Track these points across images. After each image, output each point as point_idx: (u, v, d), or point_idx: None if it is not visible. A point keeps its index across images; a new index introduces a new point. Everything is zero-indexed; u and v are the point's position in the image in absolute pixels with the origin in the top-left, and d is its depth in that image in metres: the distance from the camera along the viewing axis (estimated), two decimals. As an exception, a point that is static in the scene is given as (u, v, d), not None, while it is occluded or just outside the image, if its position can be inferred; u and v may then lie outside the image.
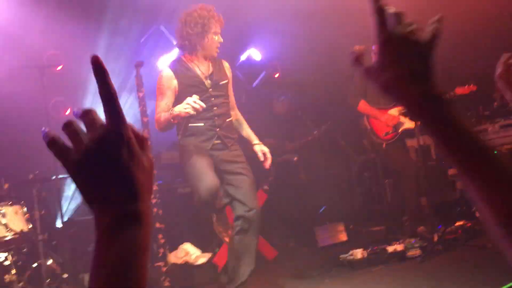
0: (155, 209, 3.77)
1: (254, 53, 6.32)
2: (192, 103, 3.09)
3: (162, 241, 3.77)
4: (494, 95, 7.06)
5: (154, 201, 3.76)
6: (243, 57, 6.31)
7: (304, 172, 6.11)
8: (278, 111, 6.23)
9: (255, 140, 3.64)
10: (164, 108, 3.34)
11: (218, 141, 3.46)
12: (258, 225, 3.42)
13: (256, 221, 3.39)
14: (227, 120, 3.55)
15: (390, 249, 4.02)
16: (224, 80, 3.55)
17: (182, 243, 4.21)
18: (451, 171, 6.92)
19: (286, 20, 5.77)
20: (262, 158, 3.55)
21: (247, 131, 3.69)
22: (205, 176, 3.27)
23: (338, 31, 5.87)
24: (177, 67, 3.47)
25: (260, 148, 3.58)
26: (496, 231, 0.70)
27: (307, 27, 5.99)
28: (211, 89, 3.46)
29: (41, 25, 5.13)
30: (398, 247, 4.02)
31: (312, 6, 5.58)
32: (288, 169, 5.93)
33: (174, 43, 6.49)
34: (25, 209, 3.95)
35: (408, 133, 4.81)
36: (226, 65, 3.65)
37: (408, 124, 4.71)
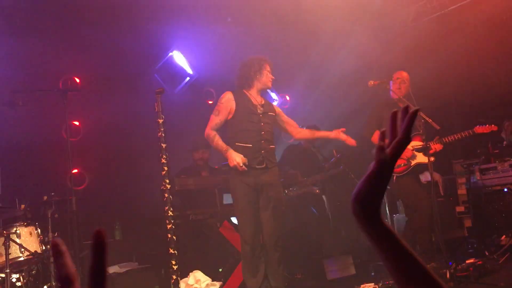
0: (169, 235, 3.78)
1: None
2: (242, 165, 3.88)
3: (175, 267, 3.75)
4: (502, 134, 7.14)
5: (169, 227, 3.77)
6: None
7: (313, 203, 6.12)
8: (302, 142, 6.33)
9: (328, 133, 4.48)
10: (217, 123, 4.07)
11: (262, 164, 4.02)
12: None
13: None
14: (271, 146, 4.14)
15: (402, 284, 4.00)
16: (272, 112, 4.23)
17: (193, 270, 4.18)
18: (459, 209, 6.94)
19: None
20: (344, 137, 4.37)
21: (318, 133, 4.60)
22: (247, 221, 3.97)
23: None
24: (237, 93, 4.18)
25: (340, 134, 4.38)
26: None
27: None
28: (261, 115, 4.12)
29: (57, 49, 5.24)
30: (410, 282, 3.99)
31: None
32: (298, 201, 5.94)
33: (190, 71, 6.67)
34: (39, 230, 3.96)
35: (420, 168, 4.84)
36: (274, 104, 4.47)
37: (421, 158, 4.73)
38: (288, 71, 4.31)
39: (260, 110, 4.13)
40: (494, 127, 4.79)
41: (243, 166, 3.91)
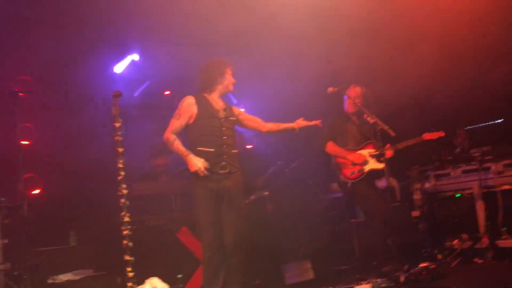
0: (125, 241, 3.70)
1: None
2: (203, 170, 3.86)
3: (131, 274, 3.68)
4: (455, 141, 7.39)
5: (125, 233, 3.69)
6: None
7: (272, 208, 6.14)
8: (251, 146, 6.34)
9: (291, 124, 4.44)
10: (177, 127, 4.03)
11: (225, 168, 4.00)
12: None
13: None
14: (233, 151, 4.11)
15: (358, 288, 4.07)
16: (232, 117, 4.22)
17: (150, 277, 4.11)
18: (414, 214, 7.12)
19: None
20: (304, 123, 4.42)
21: (283, 125, 4.47)
22: (209, 227, 3.94)
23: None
24: (199, 97, 4.14)
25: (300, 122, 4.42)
26: None
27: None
28: (223, 120, 4.10)
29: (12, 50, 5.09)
30: (366, 286, 4.08)
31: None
32: (255, 205, 5.95)
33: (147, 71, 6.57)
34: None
35: (376, 174, 4.94)
36: (234, 108, 4.37)
37: (374, 164, 4.85)
38: (247, 76, 4.34)
39: (222, 114, 4.12)
40: (441, 133, 4.99)
41: (205, 171, 3.88)
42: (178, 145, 3.98)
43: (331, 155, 5.03)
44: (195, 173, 3.93)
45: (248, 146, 6.87)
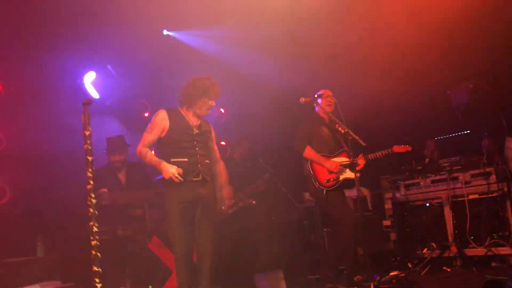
0: (93, 252, 3.62)
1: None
2: (177, 176, 3.84)
3: (99, 286, 3.60)
4: (425, 152, 7.55)
5: (93, 243, 3.62)
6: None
7: (246, 218, 6.14)
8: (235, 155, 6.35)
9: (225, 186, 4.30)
10: (150, 141, 4.03)
11: (198, 176, 4.00)
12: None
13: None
14: (206, 161, 4.13)
15: (329, 297, 4.08)
16: (208, 133, 4.23)
17: (120, 287, 4.05)
18: (385, 223, 7.22)
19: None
20: (226, 200, 4.37)
21: (222, 182, 4.30)
22: (182, 236, 3.90)
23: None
24: (172, 112, 4.11)
25: (227, 192, 4.28)
26: None
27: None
28: (195, 135, 4.11)
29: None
30: (337, 295, 4.09)
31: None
32: (234, 215, 5.93)
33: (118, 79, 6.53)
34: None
35: (347, 183, 4.99)
36: (208, 123, 4.32)
37: (349, 173, 4.90)
38: (222, 84, 4.36)
39: (195, 131, 4.12)
40: (408, 148, 5.11)
41: (179, 177, 3.87)
42: (151, 156, 3.99)
43: (306, 161, 5.03)
44: (170, 180, 3.91)
45: (222, 143, 6.88)
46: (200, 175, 4.02)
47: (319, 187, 4.89)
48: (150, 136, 4.04)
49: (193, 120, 4.15)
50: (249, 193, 6.06)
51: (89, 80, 6.16)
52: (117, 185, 5.11)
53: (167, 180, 3.95)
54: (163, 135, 4.05)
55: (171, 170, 3.86)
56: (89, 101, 3.79)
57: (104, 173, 5.08)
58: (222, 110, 7.61)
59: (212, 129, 4.36)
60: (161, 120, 4.05)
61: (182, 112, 4.14)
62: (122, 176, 5.21)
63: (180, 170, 3.90)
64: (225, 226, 5.67)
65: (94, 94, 6.22)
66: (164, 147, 4.08)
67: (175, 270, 4.47)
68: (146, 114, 6.75)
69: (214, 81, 4.14)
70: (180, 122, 4.09)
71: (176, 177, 3.86)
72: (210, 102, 4.13)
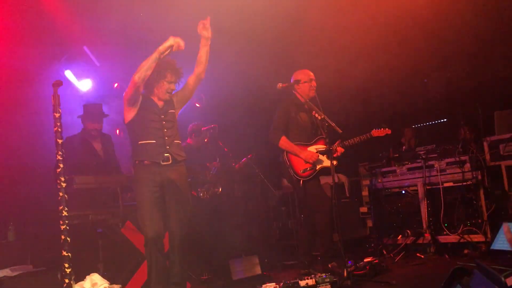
0: (62, 236, 3.56)
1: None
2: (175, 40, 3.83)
3: (68, 270, 3.55)
4: (402, 140, 7.60)
5: (63, 227, 3.55)
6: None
7: (223, 203, 6.11)
8: (199, 141, 6.22)
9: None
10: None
11: (168, 156, 3.94)
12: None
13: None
14: (175, 141, 4.04)
15: (302, 283, 4.08)
16: (172, 109, 4.10)
17: (90, 273, 3.99)
18: (362, 210, 7.27)
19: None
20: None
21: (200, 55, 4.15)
22: (152, 220, 3.84)
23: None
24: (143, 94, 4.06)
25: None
26: None
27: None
28: (162, 116, 4.02)
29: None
30: (310, 281, 4.09)
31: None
32: (205, 200, 5.90)
33: (98, 64, 6.41)
34: None
35: (324, 170, 4.98)
36: (174, 98, 4.17)
37: (326, 162, 4.88)
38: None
39: (161, 110, 4.05)
40: (388, 131, 5.09)
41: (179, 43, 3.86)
42: (143, 64, 3.85)
43: (282, 151, 4.97)
44: (138, 167, 3.90)
45: (197, 104, 6.76)
46: (170, 159, 3.96)
47: (295, 176, 4.87)
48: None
49: (159, 102, 4.08)
50: (224, 176, 6.03)
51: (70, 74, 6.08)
52: (91, 153, 5.02)
53: (137, 164, 3.91)
54: (133, 112, 3.96)
55: (169, 41, 3.85)
56: (59, 82, 3.70)
57: (78, 141, 4.98)
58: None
59: (174, 97, 4.16)
60: (137, 94, 3.95)
61: (150, 95, 4.08)
62: (97, 145, 5.10)
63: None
64: (201, 213, 5.66)
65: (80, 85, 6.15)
66: (132, 132, 4.01)
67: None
68: (116, 85, 6.57)
69: (169, 61, 4.00)
70: (148, 102, 4.03)
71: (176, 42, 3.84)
72: (168, 85, 4.01)
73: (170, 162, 3.97)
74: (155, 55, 3.85)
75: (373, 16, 6.07)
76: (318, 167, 4.87)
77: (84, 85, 6.31)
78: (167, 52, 3.91)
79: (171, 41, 3.87)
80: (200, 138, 6.20)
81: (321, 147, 4.93)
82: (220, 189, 5.99)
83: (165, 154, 3.96)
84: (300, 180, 4.85)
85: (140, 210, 3.91)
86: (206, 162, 6.10)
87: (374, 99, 7.08)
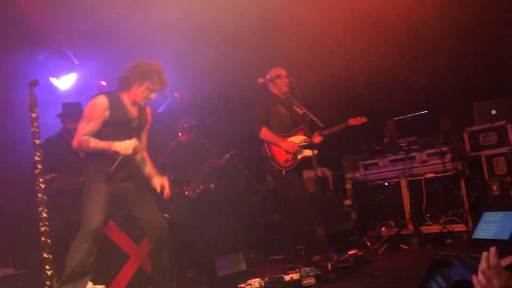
0: (43, 238, 3.51)
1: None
2: (133, 148, 3.67)
3: (49, 272, 3.50)
4: (385, 132, 7.64)
5: (43, 229, 3.50)
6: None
7: (207, 200, 6.09)
8: (183, 138, 6.18)
9: (154, 175, 4.03)
10: (89, 131, 3.69)
11: (127, 176, 3.83)
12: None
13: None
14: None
15: (287, 278, 4.09)
16: (145, 123, 4.01)
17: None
18: (346, 202, 7.31)
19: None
20: (159, 191, 3.96)
21: (149, 169, 4.05)
22: (95, 217, 3.67)
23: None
24: (113, 99, 3.78)
25: (159, 182, 3.98)
26: None
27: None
28: (134, 127, 3.88)
29: None
30: (295, 275, 4.10)
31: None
32: (190, 198, 5.87)
33: (76, 62, 6.32)
34: None
35: (306, 164, 5.00)
36: (148, 110, 4.06)
37: (307, 152, 4.90)
38: (177, 68, 4.21)
39: (135, 123, 3.88)
40: (364, 119, 5.11)
41: (134, 150, 3.70)
42: (93, 141, 3.68)
43: (263, 143, 5.00)
44: (94, 173, 3.74)
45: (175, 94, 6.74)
46: (127, 173, 3.83)
47: (277, 167, 4.89)
48: (88, 126, 3.70)
49: (132, 111, 3.86)
50: (208, 173, 6.01)
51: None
52: (71, 153, 4.95)
53: (94, 170, 3.75)
54: (101, 126, 3.73)
55: (129, 144, 3.66)
56: (34, 81, 3.63)
57: (57, 141, 4.90)
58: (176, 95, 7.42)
59: (149, 115, 4.05)
60: (102, 110, 3.71)
61: (123, 100, 3.83)
62: None
63: (136, 143, 3.71)
64: (184, 210, 5.64)
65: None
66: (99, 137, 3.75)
67: (131, 256, 4.43)
68: (104, 83, 6.49)
69: (158, 68, 3.79)
70: (120, 112, 3.78)
71: (132, 152, 3.69)
72: (149, 92, 3.80)
73: (126, 175, 3.84)
74: (105, 146, 3.67)
75: (354, 9, 6.08)
76: (299, 156, 4.90)
77: (63, 83, 6.23)
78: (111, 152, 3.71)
79: (127, 145, 3.67)
80: (191, 134, 6.19)
81: (301, 138, 4.97)
82: (212, 186, 6.00)
83: (125, 170, 3.82)
84: (282, 170, 4.87)
85: (85, 198, 3.76)
86: (200, 159, 6.08)
87: (355, 92, 7.11)
